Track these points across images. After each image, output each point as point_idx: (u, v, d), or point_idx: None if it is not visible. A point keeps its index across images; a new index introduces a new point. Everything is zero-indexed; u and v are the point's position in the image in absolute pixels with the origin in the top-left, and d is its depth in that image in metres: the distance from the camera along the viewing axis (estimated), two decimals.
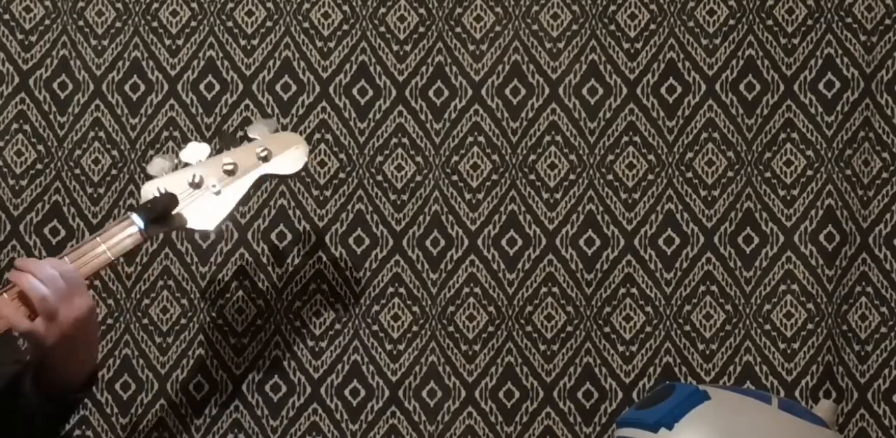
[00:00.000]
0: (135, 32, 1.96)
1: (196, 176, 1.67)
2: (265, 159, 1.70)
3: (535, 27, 1.94)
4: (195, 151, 1.70)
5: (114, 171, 1.94)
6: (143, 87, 1.95)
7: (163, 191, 1.65)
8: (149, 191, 1.67)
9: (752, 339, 1.90)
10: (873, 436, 1.88)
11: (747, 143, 1.92)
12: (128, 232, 1.64)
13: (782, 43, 1.93)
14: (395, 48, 1.95)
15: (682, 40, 1.93)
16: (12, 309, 1.58)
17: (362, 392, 1.91)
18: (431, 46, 1.95)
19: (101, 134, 1.95)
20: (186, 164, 1.69)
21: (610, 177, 1.93)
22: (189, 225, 1.67)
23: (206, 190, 1.68)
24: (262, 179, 1.72)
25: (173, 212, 1.66)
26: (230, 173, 1.69)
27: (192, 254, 1.92)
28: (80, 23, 1.96)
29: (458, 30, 1.95)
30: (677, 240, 1.92)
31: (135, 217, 1.64)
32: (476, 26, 1.95)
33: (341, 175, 1.94)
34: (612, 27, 1.94)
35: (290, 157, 1.71)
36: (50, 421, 1.67)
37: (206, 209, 1.67)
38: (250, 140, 1.72)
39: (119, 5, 1.96)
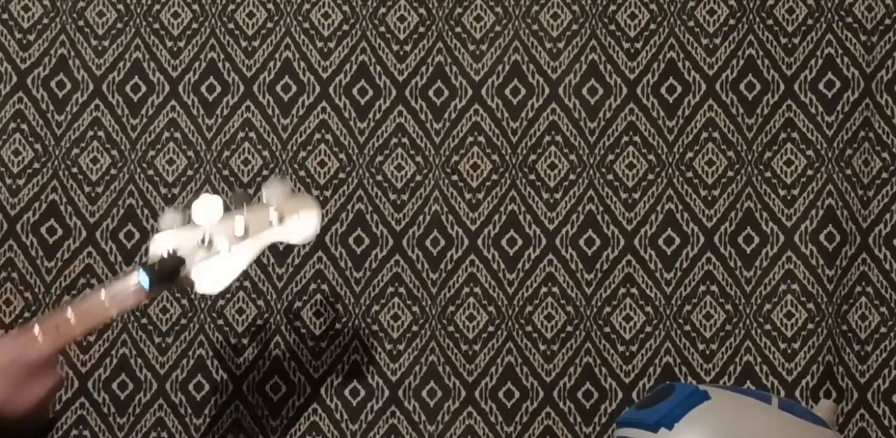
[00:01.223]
0: (136, 34, 1.96)
1: (206, 236, 1.64)
2: (277, 224, 1.66)
3: (535, 27, 1.94)
4: (207, 209, 1.65)
5: (113, 171, 1.94)
6: (144, 88, 1.95)
7: (171, 252, 1.63)
8: (157, 246, 1.65)
9: (752, 339, 1.90)
10: (873, 436, 1.88)
11: (747, 143, 1.92)
12: (132, 290, 1.63)
13: (782, 42, 1.93)
14: (395, 48, 1.95)
15: (682, 40, 1.94)
16: None
17: (362, 392, 1.90)
18: (431, 46, 1.95)
19: (101, 133, 1.95)
20: (198, 224, 1.66)
21: (610, 177, 1.93)
22: (195, 289, 1.65)
23: (215, 252, 1.65)
24: (272, 245, 1.68)
25: (180, 274, 1.63)
26: (241, 238, 1.65)
27: None
28: (80, 23, 1.96)
29: (458, 30, 1.95)
30: (677, 240, 1.92)
31: (141, 276, 1.62)
32: (476, 26, 1.95)
33: (341, 175, 1.94)
34: (612, 27, 1.94)
35: (303, 224, 1.67)
36: None
37: (213, 271, 1.64)
38: (264, 202, 1.68)
39: (120, 6, 1.96)
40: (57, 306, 1.92)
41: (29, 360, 1.58)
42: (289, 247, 1.92)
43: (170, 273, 1.63)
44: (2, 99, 1.95)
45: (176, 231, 1.66)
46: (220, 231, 1.65)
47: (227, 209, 1.66)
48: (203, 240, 1.64)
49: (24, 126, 1.95)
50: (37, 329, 1.60)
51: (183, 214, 1.66)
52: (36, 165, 1.94)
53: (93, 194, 1.94)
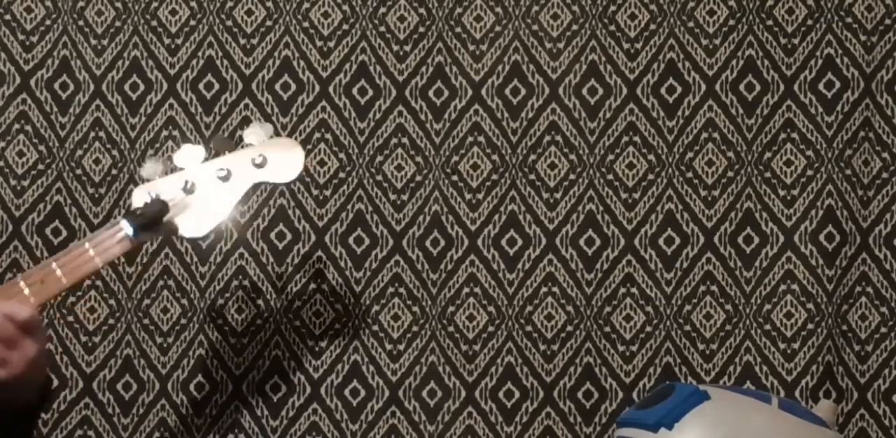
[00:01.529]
0: (134, 32, 1.96)
1: (189, 181, 1.63)
2: (260, 166, 1.65)
3: (535, 27, 1.94)
4: (189, 155, 1.64)
5: (114, 171, 1.95)
6: (142, 87, 1.95)
7: (154, 197, 1.62)
8: (140, 195, 1.62)
9: (752, 339, 1.90)
10: (873, 436, 1.88)
11: (747, 143, 1.92)
12: (117, 238, 1.62)
13: (782, 43, 1.92)
14: (395, 48, 1.94)
15: (682, 40, 1.93)
16: None
17: (362, 392, 1.91)
18: (431, 46, 1.94)
19: (102, 134, 1.95)
20: (180, 168, 1.65)
21: (610, 177, 1.92)
22: (180, 233, 1.63)
23: (198, 196, 1.63)
24: (257, 186, 1.68)
25: (164, 219, 1.62)
26: (224, 179, 1.63)
27: (192, 254, 1.93)
28: (80, 23, 1.96)
29: (458, 30, 1.94)
30: (677, 240, 1.92)
31: (124, 223, 1.60)
32: (476, 26, 1.94)
33: (341, 175, 1.94)
34: (612, 27, 1.93)
35: (286, 164, 1.66)
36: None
37: (197, 216, 1.62)
38: (246, 145, 1.68)
39: (118, 5, 1.96)
40: (61, 308, 1.93)
41: (19, 317, 1.56)
42: (289, 247, 1.93)
43: (154, 219, 1.60)
44: (6, 100, 1.95)
45: (158, 179, 1.64)
46: (203, 176, 1.63)
47: (208, 154, 1.64)
48: (186, 186, 1.62)
49: (28, 127, 1.95)
50: (22, 283, 1.59)
51: (165, 163, 1.64)
52: (40, 166, 1.95)
53: (96, 195, 1.94)
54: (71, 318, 1.92)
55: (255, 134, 1.67)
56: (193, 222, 1.63)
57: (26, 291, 1.59)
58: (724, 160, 1.92)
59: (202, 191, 1.63)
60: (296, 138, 1.94)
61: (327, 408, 1.91)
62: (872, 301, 1.89)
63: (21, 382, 1.58)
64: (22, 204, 1.94)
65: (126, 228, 1.60)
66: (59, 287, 1.60)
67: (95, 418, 1.91)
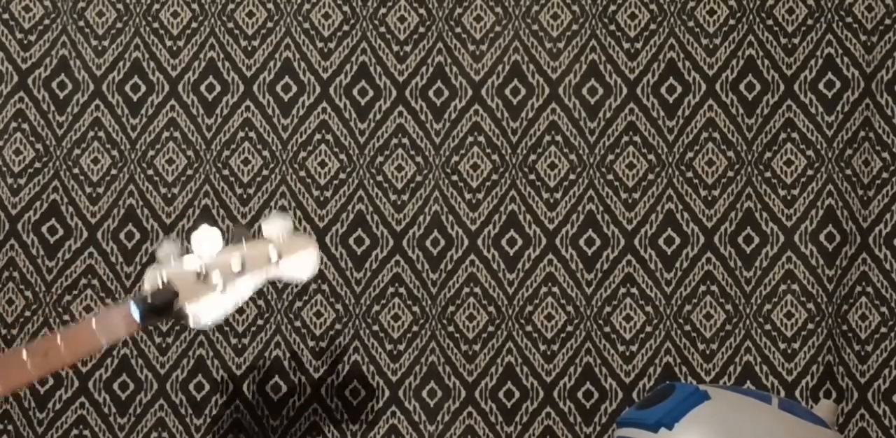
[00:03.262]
0: (136, 33, 1.96)
1: (203, 271, 1.60)
2: (275, 262, 1.62)
3: (535, 27, 1.94)
4: (206, 241, 1.61)
5: (113, 171, 1.94)
6: (143, 88, 1.96)
7: (165, 283, 1.61)
8: (152, 276, 1.61)
9: (752, 339, 1.90)
10: (873, 436, 1.88)
11: (747, 143, 1.92)
12: (125, 321, 1.59)
13: (782, 43, 1.93)
14: (396, 48, 1.95)
15: (682, 40, 1.94)
16: None
17: (362, 392, 1.91)
18: (431, 46, 1.95)
19: (101, 134, 1.95)
20: (195, 253, 1.61)
21: (610, 177, 1.93)
22: (188, 323, 1.61)
23: (210, 286, 1.61)
24: (267, 281, 1.65)
25: (174, 306, 1.62)
26: (238, 274, 1.61)
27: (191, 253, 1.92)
28: (81, 23, 1.97)
29: (458, 30, 1.95)
30: (677, 240, 1.92)
31: (133, 308, 1.59)
32: (476, 26, 1.95)
33: (342, 175, 1.94)
34: (612, 27, 1.94)
35: (300, 263, 1.63)
36: None
37: (207, 306, 1.61)
38: (264, 239, 1.64)
39: (120, 6, 1.96)
40: (58, 306, 1.92)
41: (12, 386, 1.55)
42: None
43: (162, 306, 1.60)
44: (3, 99, 1.95)
45: (172, 262, 1.63)
46: (218, 265, 1.62)
47: (226, 242, 1.64)
48: (199, 274, 1.62)
49: (25, 126, 1.95)
50: (25, 354, 1.57)
51: (180, 245, 1.64)
52: (37, 165, 1.95)
53: (94, 194, 1.94)
54: (67, 317, 1.92)
55: (274, 227, 1.66)
56: (202, 311, 1.62)
57: (28, 364, 1.58)
58: (724, 160, 1.92)
59: (215, 280, 1.62)
60: (297, 139, 1.94)
61: (327, 408, 1.90)
62: (872, 301, 1.89)
63: None
64: (18, 202, 1.94)
65: (134, 312, 1.60)
66: (61, 363, 1.59)
67: (91, 418, 1.90)
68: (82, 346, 1.59)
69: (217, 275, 1.61)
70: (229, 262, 1.61)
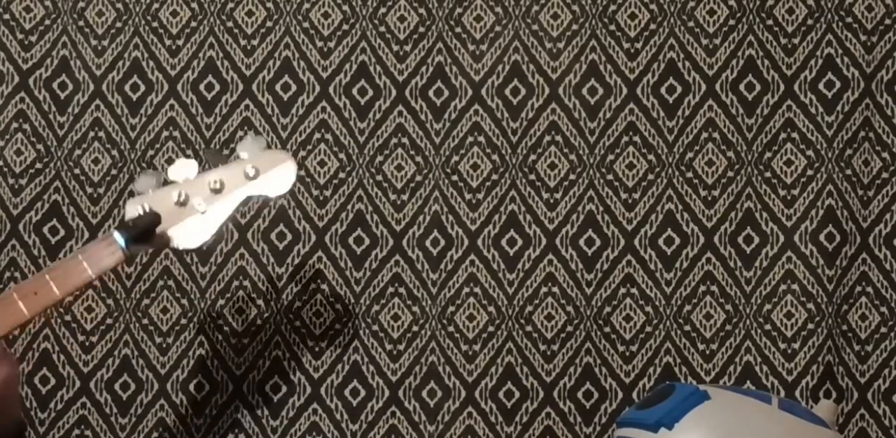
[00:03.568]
0: (135, 32, 1.96)
1: (182, 194, 1.63)
2: (253, 178, 1.66)
3: (535, 27, 1.94)
4: (182, 168, 1.65)
5: (114, 171, 1.95)
6: (143, 87, 1.95)
7: (147, 210, 1.63)
8: (133, 207, 1.64)
9: (752, 339, 1.90)
10: (873, 436, 1.88)
11: (747, 143, 1.92)
12: (110, 250, 1.61)
13: (782, 43, 1.93)
14: (395, 48, 1.95)
15: (682, 40, 1.93)
16: None
17: (362, 392, 1.91)
18: (431, 46, 1.95)
19: (101, 134, 1.95)
20: (173, 182, 1.65)
21: (610, 177, 1.93)
22: (173, 245, 1.64)
23: (191, 208, 1.63)
24: (249, 199, 1.67)
25: (157, 231, 1.63)
26: (217, 191, 1.64)
27: (192, 254, 1.92)
28: (81, 23, 1.96)
29: (458, 30, 1.95)
30: (677, 240, 1.92)
31: (116, 235, 1.60)
32: (476, 26, 1.95)
33: (341, 175, 1.94)
34: (612, 27, 1.94)
35: (279, 177, 1.66)
36: None
37: (191, 228, 1.63)
38: (239, 157, 1.68)
39: (119, 5, 1.96)
40: (58, 306, 1.92)
41: (7, 328, 1.53)
42: (289, 247, 1.92)
43: (146, 230, 1.61)
44: (4, 99, 1.95)
45: (152, 192, 1.65)
46: (196, 188, 1.64)
47: (202, 168, 1.66)
48: (179, 199, 1.63)
49: (26, 126, 1.95)
50: (15, 296, 1.57)
51: (158, 176, 1.65)
52: (38, 165, 1.95)
53: (94, 195, 1.94)
54: (68, 317, 1.92)
55: (248, 147, 1.68)
56: (186, 234, 1.64)
57: (20, 303, 1.58)
58: (724, 160, 1.92)
59: (195, 202, 1.64)
60: (296, 139, 1.94)
61: (327, 408, 1.91)
62: (872, 301, 1.89)
63: None
64: (20, 202, 1.94)
65: (118, 240, 1.60)
66: (53, 298, 1.59)
67: (92, 418, 1.91)
68: (72, 280, 1.59)
69: (197, 198, 1.64)
70: (207, 184, 1.64)
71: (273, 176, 1.66)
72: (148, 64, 1.96)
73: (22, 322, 1.58)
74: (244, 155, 1.67)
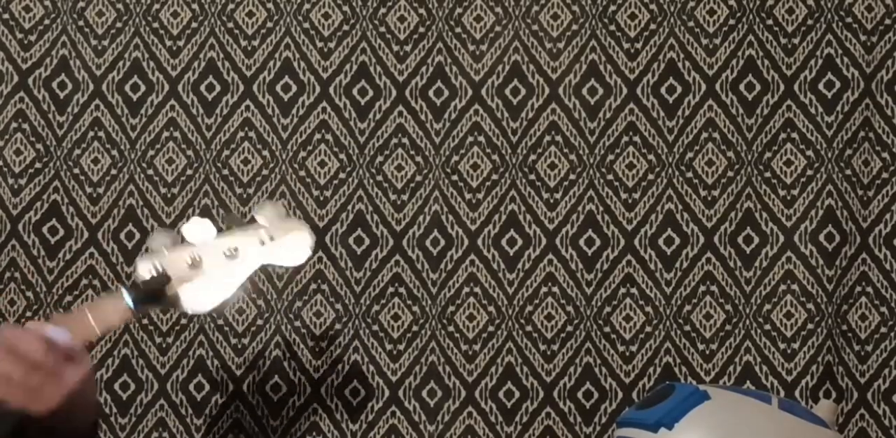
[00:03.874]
0: (135, 33, 1.96)
1: (195, 257, 1.60)
2: (268, 246, 1.62)
3: (535, 27, 1.94)
4: (198, 229, 1.63)
5: (113, 171, 1.95)
6: (143, 88, 1.96)
7: (159, 270, 1.62)
8: (145, 267, 1.62)
9: (752, 339, 1.90)
10: (873, 436, 1.88)
11: (747, 143, 1.92)
12: (118, 309, 1.60)
13: (782, 43, 1.93)
14: (395, 48, 1.95)
15: (682, 40, 1.93)
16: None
17: (362, 392, 1.91)
18: (431, 46, 1.95)
19: (101, 134, 1.95)
20: (187, 243, 1.61)
21: (610, 177, 1.93)
22: (181, 308, 1.62)
23: (204, 273, 1.61)
24: (262, 267, 1.65)
25: (167, 293, 1.62)
26: (231, 258, 1.61)
27: None
28: (81, 23, 1.97)
29: (458, 30, 1.95)
30: (677, 240, 1.92)
31: (125, 294, 1.58)
32: (476, 26, 1.95)
33: (341, 175, 1.94)
34: (612, 27, 1.94)
35: (294, 248, 1.63)
36: None
37: (202, 291, 1.60)
38: (256, 224, 1.64)
39: (119, 6, 1.96)
40: (59, 306, 1.92)
41: (60, 342, 1.51)
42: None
43: (155, 292, 1.60)
44: (3, 99, 1.95)
45: (165, 251, 1.64)
46: (210, 251, 1.63)
47: (218, 230, 1.64)
48: (191, 260, 1.62)
49: (25, 126, 1.95)
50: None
51: (173, 235, 1.64)
52: (38, 165, 1.95)
53: (94, 195, 1.94)
54: None
55: (266, 214, 1.67)
56: (197, 297, 1.62)
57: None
58: (724, 160, 1.92)
59: (208, 267, 1.62)
60: (297, 139, 1.94)
61: (327, 408, 1.90)
62: (872, 301, 1.89)
63: (57, 419, 1.52)
64: (19, 202, 1.94)
65: (126, 299, 1.60)
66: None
67: None
68: (76, 336, 1.58)
69: (209, 261, 1.61)
70: (221, 248, 1.62)
71: (288, 245, 1.63)
72: (148, 64, 1.96)
73: None
74: (262, 221, 1.65)
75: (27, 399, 1.50)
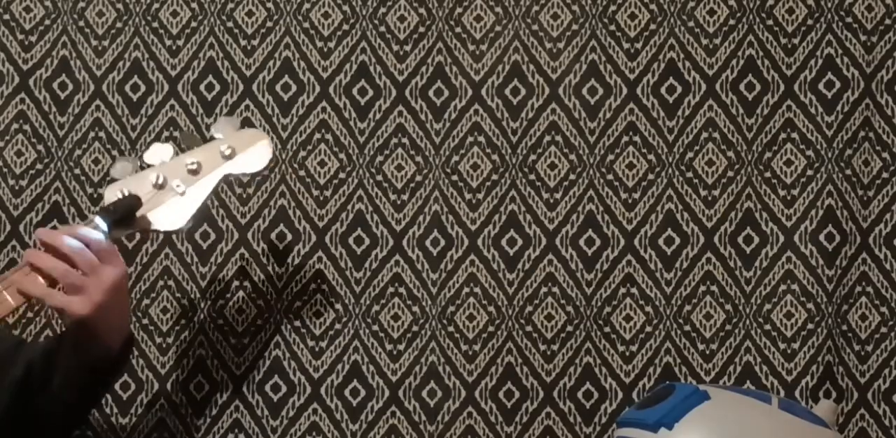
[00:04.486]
0: (135, 33, 1.96)
1: (159, 177, 1.65)
2: (229, 157, 1.69)
3: (535, 27, 1.94)
4: (158, 152, 1.68)
5: None
6: (143, 88, 1.96)
7: (126, 194, 1.64)
8: (112, 193, 1.65)
9: (752, 339, 1.90)
10: (873, 436, 1.88)
11: (747, 143, 1.92)
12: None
13: (782, 43, 1.93)
14: (395, 48, 1.95)
15: (682, 40, 1.93)
16: (37, 285, 1.55)
17: (362, 392, 1.91)
18: (431, 46, 1.95)
19: (102, 134, 1.95)
20: (150, 165, 1.67)
21: (610, 177, 1.93)
22: (154, 227, 1.65)
23: (170, 190, 1.66)
24: (227, 177, 1.70)
25: (137, 214, 1.64)
26: (194, 173, 1.67)
27: (192, 254, 1.93)
28: (81, 23, 1.97)
29: (458, 30, 1.95)
30: (677, 240, 1.92)
31: (98, 220, 1.62)
32: (476, 26, 1.95)
33: (341, 175, 1.94)
34: (612, 27, 1.94)
35: (255, 154, 1.70)
36: (83, 397, 1.66)
37: (171, 210, 1.65)
38: (213, 138, 1.71)
39: (119, 5, 1.96)
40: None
41: (95, 241, 1.59)
42: (289, 247, 1.92)
43: (126, 214, 1.62)
44: (4, 100, 1.95)
45: (129, 177, 1.65)
46: (173, 170, 1.66)
47: (177, 152, 1.67)
48: (157, 182, 1.64)
49: (26, 127, 1.95)
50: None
51: (133, 161, 1.66)
52: (39, 166, 1.95)
53: (95, 195, 1.94)
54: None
55: (222, 127, 1.70)
56: (167, 216, 1.66)
57: (4, 293, 1.59)
58: (724, 160, 1.92)
59: (173, 184, 1.65)
60: (297, 139, 1.94)
61: (327, 408, 1.91)
62: (872, 301, 1.89)
63: (100, 316, 1.57)
64: (20, 203, 1.94)
65: (100, 224, 1.61)
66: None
67: (93, 418, 1.90)
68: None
69: (175, 180, 1.66)
70: (184, 166, 1.67)
71: (249, 154, 1.69)
72: (148, 64, 1.96)
73: (6, 312, 1.59)
74: (219, 135, 1.69)
75: (70, 296, 1.54)
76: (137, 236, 1.87)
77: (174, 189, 1.66)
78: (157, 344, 1.92)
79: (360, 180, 1.94)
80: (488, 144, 1.93)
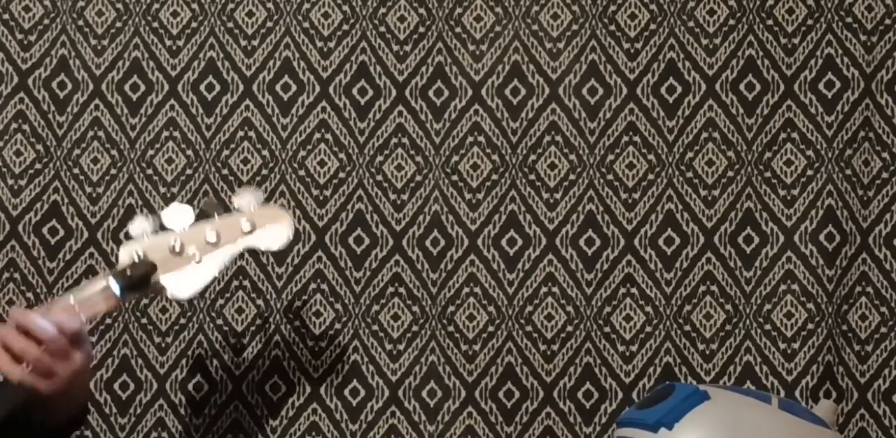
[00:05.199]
0: (135, 33, 1.96)
1: (178, 243, 1.63)
2: (249, 233, 1.66)
3: (535, 27, 1.94)
4: (178, 216, 1.64)
5: (113, 171, 1.95)
6: (143, 87, 1.96)
7: (142, 258, 1.62)
8: (127, 253, 1.63)
9: (752, 339, 1.90)
10: (873, 436, 1.88)
11: (747, 143, 1.92)
12: (103, 296, 1.61)
13: (782, 43, 1.93)
14: (395, 48, 1.95)
15: (682, 40, 1.93)
16: (2, 361, 1.56)
17: (362, 392, 1.91)
18: (431, 46, 1.95)
19: (101, 133, 1.95)
20: (169, 229, 1.65)
21: (610, 177, 1.93)
22: (166, 293, 1.64)
23: (186, 258, 1.64)
24: (243, 252, 1.69)
25: (151, 280, 1.62)
26: (213, 245, 1.64)
27: None
28: (80, 22, 1.96)
29: (458, 30, 1.95)
30: (677, 240, 1.92)
31: (111, 282, 1.61)
32: (476, 26, 1.95)
33: (341, 175, 1.94)
34: (612, 27, 1.94)
35: (275, 232, 1.67)
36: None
37: (185, 276, 1.63)
38: (236, 211, 1.68)
39: (119, 5, 1.96)
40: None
41: (70, 328, 1.57)
42: (289, 247, 1.92)
43: (140, 279, 1.61)
44: (3, 99, 1.95)
45: (147, 238, 1.64)
46: (192, 238, 1.64)
47: (198, 217, 1.66)
48: (174, 247, 1.63)
49: (25, 126, 1.95)
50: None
51: (153, 221, 1.65)
52: (38, 166, 1.95)
53: (94, 194, 1.94)
54: None
55: (246, 200, 1.68)
56: (180, 283, 1.64)
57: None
58: (724, 160, 1.92)
59: (190, 252, 1.64)
60: (296, 139, 1.94)
61: (327, 408, 1.90)
62: (872, 301, 1.89)
63: (63, 396, 1.59)
64: (19, 203, 1.94)
65: (113, 287, 1.61)
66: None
67: (92, 418, 1.90)
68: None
69: (192, 248, 1.64)
70: (203, 235, 1.65)
71: (269, 231, 1.67)
72: (148, 64, 1.96)
73: None
74: (241, 208, 1.67)
75: (39, 378, 1.56)
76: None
77: (190, 258, 1.64)
78: (156, 343, 1.92)
79: (359, 180, 1.94)
80: (488, 144, 1.93)
